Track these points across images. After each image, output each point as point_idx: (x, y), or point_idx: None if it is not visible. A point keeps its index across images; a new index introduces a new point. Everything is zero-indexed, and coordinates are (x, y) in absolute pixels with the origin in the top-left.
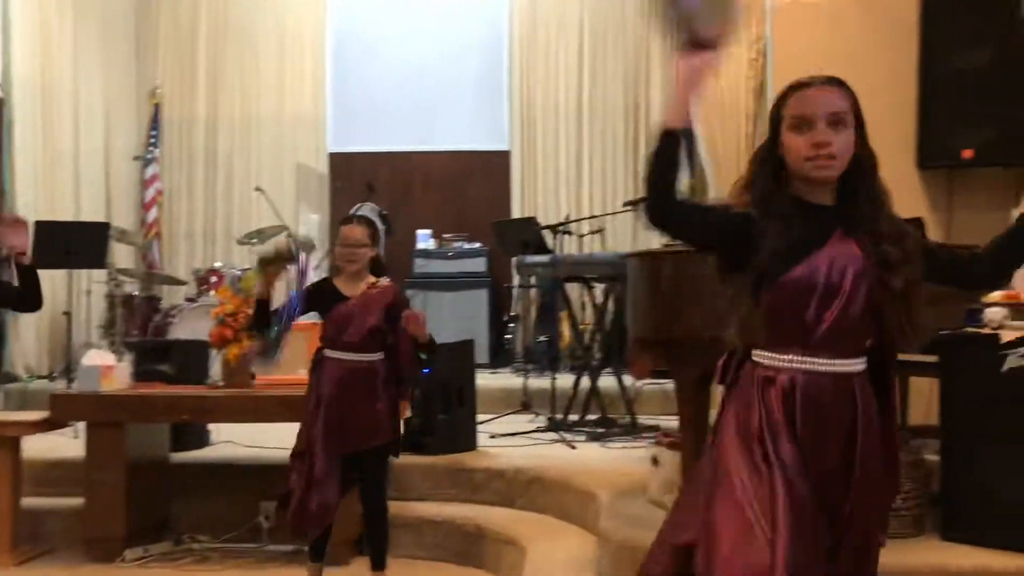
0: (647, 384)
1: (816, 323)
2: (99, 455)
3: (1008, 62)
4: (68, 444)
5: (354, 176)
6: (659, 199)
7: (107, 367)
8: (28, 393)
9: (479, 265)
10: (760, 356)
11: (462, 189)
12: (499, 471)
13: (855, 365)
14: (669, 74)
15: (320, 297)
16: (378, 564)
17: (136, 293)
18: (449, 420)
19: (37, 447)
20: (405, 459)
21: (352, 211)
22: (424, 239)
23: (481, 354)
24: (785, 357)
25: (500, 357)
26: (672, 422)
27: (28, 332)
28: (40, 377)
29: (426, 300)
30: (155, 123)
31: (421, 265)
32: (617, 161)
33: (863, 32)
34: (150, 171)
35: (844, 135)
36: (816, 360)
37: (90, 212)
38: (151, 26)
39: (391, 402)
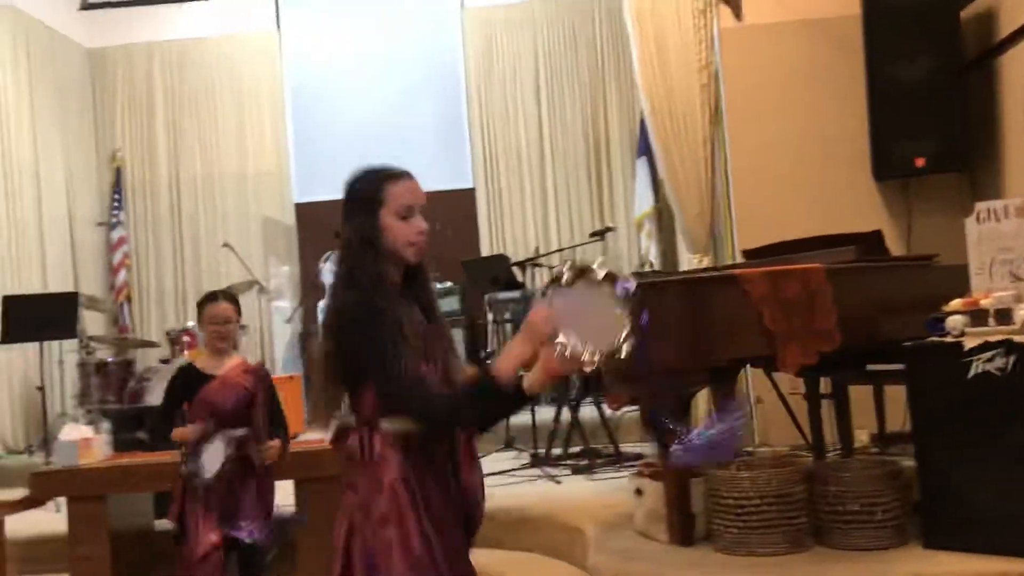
0: (627, 412)
1: None
2: (82, 530)
3: (946, 71)
4: (51, 519)
5: (321, 225)
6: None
7: (84, 440)
8: (4, 469)
9: (452, 304)
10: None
11: (430, 229)
12: (485, 512)
13: None
14: (624, 106)
15: (187, 383)
16: None
17: (109, 359)
18: None
19: (20, 524)
20: None
21: (322, 260)
22: None
23: None
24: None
25: None
26: None
27: (2, 407)
28: (17, 452)
29: None
30: (118, 187)
31: None
32: (581, 192)
33: (810, 52)
34: (116, 234)
35: None
36: None
37: (57, 281)
38: (108, 93)
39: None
